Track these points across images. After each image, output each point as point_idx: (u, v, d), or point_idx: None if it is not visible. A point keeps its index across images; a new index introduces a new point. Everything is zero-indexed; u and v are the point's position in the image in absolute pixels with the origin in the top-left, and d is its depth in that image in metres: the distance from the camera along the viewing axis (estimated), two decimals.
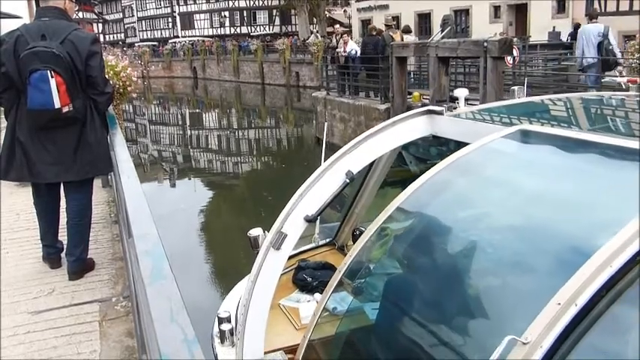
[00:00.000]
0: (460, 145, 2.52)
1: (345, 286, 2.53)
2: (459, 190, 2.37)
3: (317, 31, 37.57)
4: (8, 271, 3.70)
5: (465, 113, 3.00)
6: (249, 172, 17.32)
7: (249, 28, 55.23)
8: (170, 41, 53.95)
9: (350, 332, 2.54)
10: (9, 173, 3.45)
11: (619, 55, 11.04)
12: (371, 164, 3.68)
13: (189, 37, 54.84)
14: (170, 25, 62.37)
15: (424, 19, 31.27)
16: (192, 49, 46.59)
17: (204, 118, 29.95)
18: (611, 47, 10.37)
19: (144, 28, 66.66)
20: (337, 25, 22.51)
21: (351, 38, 16.93)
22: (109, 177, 5.19)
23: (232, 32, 54.29)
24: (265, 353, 2.70)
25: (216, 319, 2.92)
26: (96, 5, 65.37)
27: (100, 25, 66.41)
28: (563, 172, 2.14)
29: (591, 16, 11.06)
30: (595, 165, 2.07)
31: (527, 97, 3.57)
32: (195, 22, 59.59)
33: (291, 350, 2.77)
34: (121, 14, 70.87)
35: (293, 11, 47.18)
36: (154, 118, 30.96)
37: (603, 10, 21.99)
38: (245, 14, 56.25)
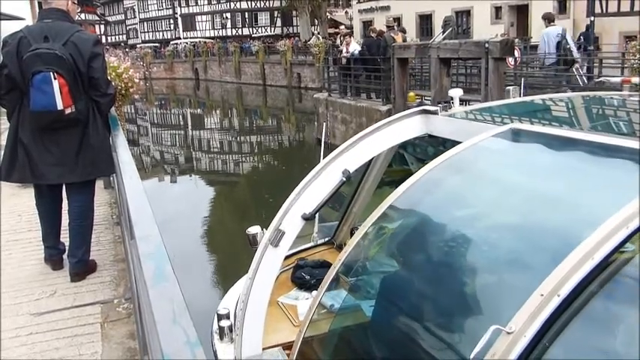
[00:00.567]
0: (454, 144, 2.57)
1: (342, 284, 2.57)
2: (450, 188, 2.43)
3: (318, 33, 37.59)
4: (10, 273, 3.71)
5: (459, 113, 3.06)
6: (250, 173, 17.33)
7: (250, 29, 55.25)
8: (172, 43, 54.04)
9: (343, 328, 2.59)
10: (11, 175, 3.45)
11: (576, 53, 11.91)
12: (368, 164, 3.74)
13: (191, 38, 54.90)
14: (172, 26, 62.44)
15: (425, 20, 31.30)
16: (194, 51, 46.66)
17: (205, 120, 29.98)
18: (568, 46, 11.26)
19: (146, 30, 66.76)
20: (342, 27, 22.54)
21: (353, 39, 16.94)
22: (111, 178, 5.20)
23: (234, 34, 54.32)
24: (263, 349, 2.73)
25: (216, 315, 2.95)
26: (98, 7, 65.46)
27: (102, 26, 66.45)
28: (551, 169, 2.20)
29: (549, 19, 11.74)
30: (582, 162, 2.14)
31: (522, 97, 3.61)
32: (197, 23, 59.63)
33: (289, 346, 2.80)
34: (123, 16, 70.96)
35: (294, 13, 47.22)
36: (155, 120, 30.99)
37: (604, 11, 21.98)
38: (246, 16, 56.28)
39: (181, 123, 29.76)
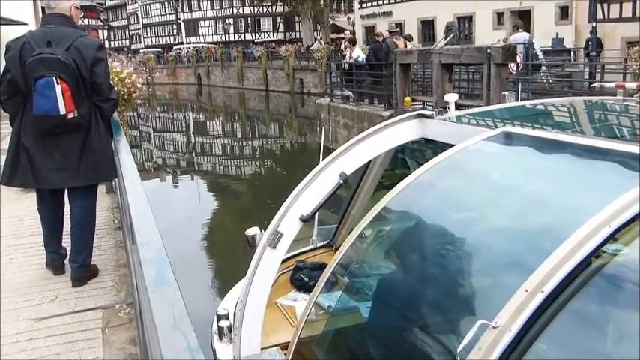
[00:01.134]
0: (450, 147, 2.62)
1: (338, 284, 2.62)
2: (442, 190, 2.50)
3: (321, 38, 37.66)
4: (12, 277, 3.70)
5: (454, 117, 3.11)
6: (252, 178, 17.34)
7: (253, 34, 55.42)
8: (175, 48, 54.22)
9: (338, 328, 2.64)
10: (14, 179, 3.46)
11: (542, 58, 13.10)
12: (366, 167, 3.80)
13: (193, 43, 55.07)
14: (175, 31, 62.69)
15: (428, 25, 31.33)
16: (197, 56, 46.78)
17: (208, 125, 30.04)
18: (534, 52, 12.30)
19: (149, 35, 67.01)
20: (347, 32, 22.64)
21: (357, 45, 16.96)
22: (113, 183, 5.21)
23: (236, 39, 54.48)
24: (262, 349, 2.77)
25: (215, 316, 2.98)
26: (101, 12, 65.84)
27: (106, 31, 66.85)
28: (540, 171, 2.27)
29: (517, 26, 13.05)
30: (569, 164, 2.20)
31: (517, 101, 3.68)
32: (199, 28, 59.84)
33: (287, 346, 2.83)
34: (126, 21, 71.28)
35: (297, 18, 47.33)
36: (158, 125, 31.06)
37: (606, 17, 22.01)
38: (249, 21, 56.47)
39: (183, 128, 29.81)
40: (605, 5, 22.00)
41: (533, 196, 2.12)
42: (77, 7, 3.52)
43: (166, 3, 63.39)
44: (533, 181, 2.22)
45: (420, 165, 2.53)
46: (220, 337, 2.84)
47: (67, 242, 3.68)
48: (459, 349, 1.60)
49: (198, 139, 25.06)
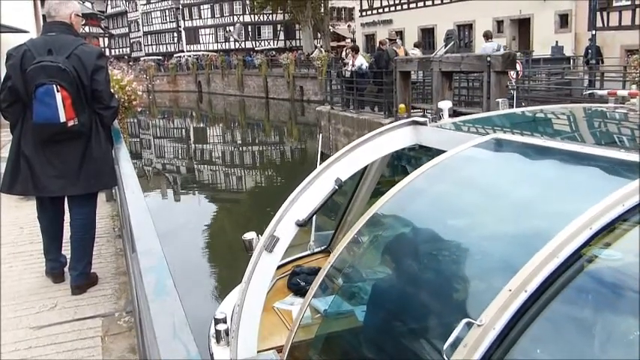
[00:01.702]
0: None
1: (332, 288, 2.66)
2: (432, 195, 2.56)
3: (321, 46, 37.79)
4: (11, 286, 3.69)
5: (447, 124, 3.15)
6: (252, 185, 17.35)
7: (253, 42, 55.61)
8: (175, 55, 54.36)
9: (328, 331, 2.71)
10: (14, 187, 3.45)
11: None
12: (362, 174, 3.85)
13: (194, 51, 55.27)
14: (175, 39, 62.93)
15: (428, 33, 31.45)
16: (197, 64, 46.91)
17: (208, 132, 30.09)
18: None
19: (149, 43, 67.26)
20: (348, 40, 22.73)
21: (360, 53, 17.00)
22: (113, 191, 5.20)
23: (237, 47, 54.66)
24: (259, 352, 2.79)
25: (213, 320, 3.01)
26: (102, 20, 66.15)
27: (106, 39, 67.16)
28: (527, 176, 2.35)
29: (487, 35, 13.65)
30: (555, 168, 2.26)
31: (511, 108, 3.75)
32: (200, 36, 60.08)
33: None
34: (127, 29, 71.55)
35: (297, 26, 47.50)
36: (158, 132, 31.10)
37: (606, 25, 22.10)
38: (250, 29, 56.67)
39: (184, 135, 29.85)
40: (605, 13, 22.09)
41: (520, 200, 2.20)
42: (78, 15, 3.52)
43: (167, 11, 63.68)
44: (520, 185, 2.29)
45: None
46: (218, 341, 2.87)
47: (66, 250, 3.67)
48: (445, 347, 1.64)
49: (199, 147, 25.09)
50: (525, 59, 17.34)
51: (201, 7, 59.53)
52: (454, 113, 3.28)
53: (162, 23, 64.88)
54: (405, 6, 33.32)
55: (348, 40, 21.78)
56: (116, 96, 4.05)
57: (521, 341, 1.61)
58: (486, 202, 2.33)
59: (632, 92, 3.43)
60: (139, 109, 6.31)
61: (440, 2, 30.80)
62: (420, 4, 32.18)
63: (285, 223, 2.79)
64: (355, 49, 15.86)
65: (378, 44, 15.70)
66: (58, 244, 3.65)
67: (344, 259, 2.55)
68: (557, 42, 22.24)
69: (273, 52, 45.39)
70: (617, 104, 3.56)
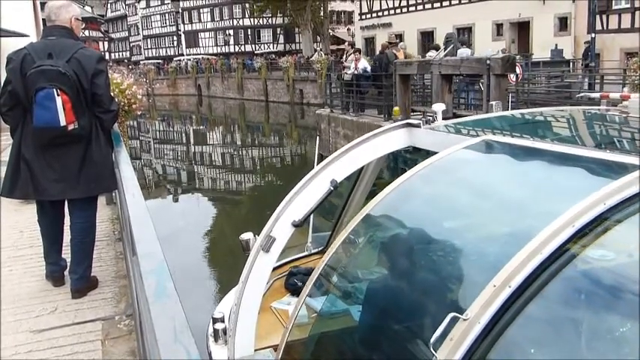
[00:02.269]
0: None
1: (326, 287, 2.72)
2: (423, 195, 2.64)
3: (321, 49, 37.82)
4: (11, 289, 3.69)
5: (441, 126, 3.21)
6: (251, 188, 17.35)
7: (253, 46, 55.62)
8: (175, 59, 54.43)
9: (321, 329, 2.78)
10: (14, 191, 3.45)
11: None
12: (358, 175, 3.92)
13: (194, 55, 55.32)
14: (175, 43, 62.96)
15: (427, 36, 31.46)
16: (197, 67, 46.94)
17: (208, 136, 30.08)
18: None
19: (149, 47, 67.32)
20: (346, 43, 22.74)
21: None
22: (114, 194, 5.20)
23: (237, 50, 54.70)
24: (256, 350, 2.83)
25: (211, 319, 3.06)
26: (102, 24, 66.19)
27: (106, 43, 67.18)
28: (515, 176, 2.44)
29: (462, 42, 14.36)
30: (542, 169, 2.32)
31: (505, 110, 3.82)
32: (200, 40, 60.12)
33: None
34: (127, 33, 71.62)
35: (297, 29, 47.54)
36: (158, 136, 31.10)
37: (605, 28, 22.13)
38: (249, 32, 56.73)
39: (184, 139, 29.85)
40: (604, 16, 22.13)
41: (507, 199, 2.29)
42: (78, 19, 3.53)
43: (167, 15, 63.74)
44: (508, 186, 2.38)
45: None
46: (216, 340, 2.92)
47: (66, 254, 3.66)
48: (432, 341, 1.69)
49: (198, 150, 25.08)
50: (525, 62, 17.37)
51: (201, 10, 59.58)
52: (454, 116, 3.30)
53: (161, 27, 64.94)
54: (404, 9, 33.35)
55: (346, 43, 21.74)
56: (116, 100, 4.05)
57: (505, 335, 1.66)
58: (475, 202, 2.41)
59: (624, 95, 3.49)
60: (139, 113, 6.30)
61: (439, 5, 30.83)
62: (420, 7, 32.22)
63: (281, 224, 2.85)
64: (358, 52, 15.88)
65: (380, 48, 15.70)
66: (58, 247, 3.65)
67: (337, 258, 2.61)
68: (556, 45, 22.26)
69: (273, 56, 45.41)
70: (609, 106, 3.62)
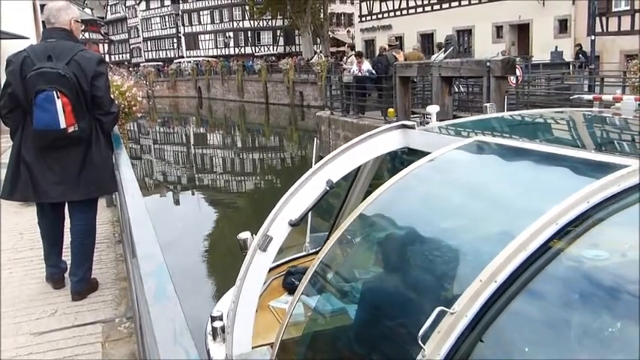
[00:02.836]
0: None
1: (322, 286, 2.76)
2: (415, 195, 2.70)
3: (321, 51, 37.86)
4: (11, 292, 3.69)
5: (435, 127, 3.27)
6: (251, 190, 17.35)
7: (253, 48, 55.68)
8: (175, 61, 54.45)
9: (315, 327, 2.82)
10: (14, 193, 3.45)
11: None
12: (355, 177, 3.98)
13: (194, 57, 55.37)
14: (175, 45, 63.02)
15: (427, 39, 31.49)
16: (197, 69, 46.98)
17: (208, 138, 30.08)
18: None
19: (149, 49, 67.37)
20: (346, 45, 22.80)
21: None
22: (114, 196, 5.20)
23: (237, 52, 54.74)
24: (253, 348, 2.86)
25: (210, 318, 3.10)
26: (102, 26, 66.28)
27: (106, 45, 67.30)
28: (504, 176, 2.51)
29: (439, 46, 14.41)
30: (530, 169, 2.38)
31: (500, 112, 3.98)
32: (200, 42, 60.20)
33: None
34: (127, 35, 71.69)
35: (297, 32, 47.60)
36: (158, 138, 31.11)
37: (605, 30, 22.14)
38: (249, 35, 56.79)
39: (184, 141, 29.86)
40: (604, 18, 22.15)
41: (495, 198, 2.36)
42: (77, 21, 3.53)
43: (167, 17, 63.82)
44: (496, 185, 2.46)
45: None
46: (214, 338, 2.97)
47: (66, 256, 3.66)
48: (420, 334, 1.73)
49: (199, 152, 25.08)
50: (525, 64, 17.38)
51: (201, 12, 59.66)
52: (454, 118, 3.33)
53: (161, 29, 65.00)
54: (404, 11, 33.40)
55: (346, 46, 21.80)
56: (116, 102, 4.05)
57: (491, 328, 1.71)
58: (465, 201, 2.47)
59: (616, 97, 3.57)
60: (139, 115, 6.30)
61: (439, 7, 30.87)
62: (420, 9, 32.26)
63: (278, 223, 2.88)
64: (360, 55, 15.89)
65: (380, 50, 15.73)
66: (59, 249, 3.65)
67: (331, 256, 2.67)
68: (556, 47, 22.28)
69: (273, 58, 45.46)
70: (601, 108, 3.70)
